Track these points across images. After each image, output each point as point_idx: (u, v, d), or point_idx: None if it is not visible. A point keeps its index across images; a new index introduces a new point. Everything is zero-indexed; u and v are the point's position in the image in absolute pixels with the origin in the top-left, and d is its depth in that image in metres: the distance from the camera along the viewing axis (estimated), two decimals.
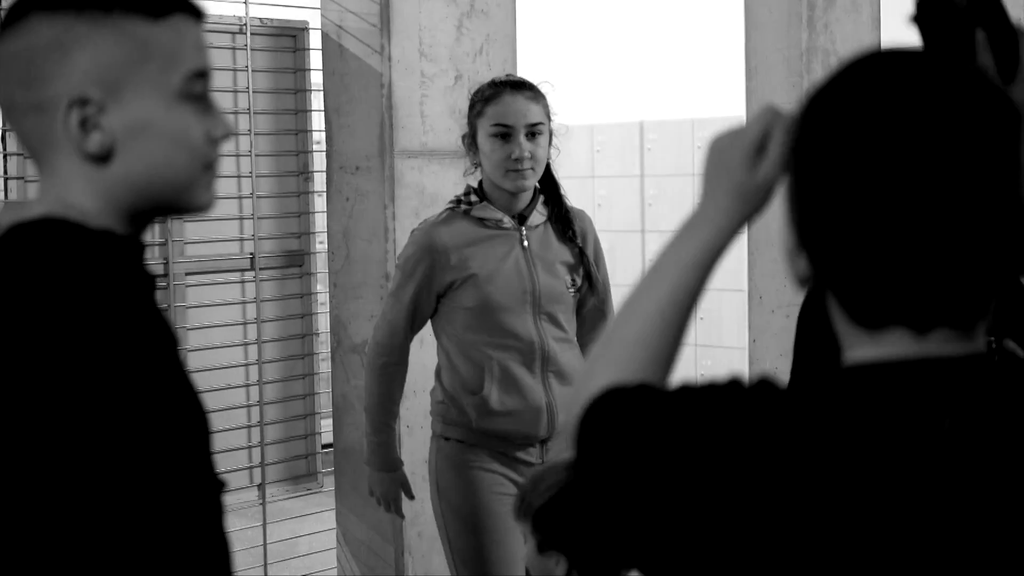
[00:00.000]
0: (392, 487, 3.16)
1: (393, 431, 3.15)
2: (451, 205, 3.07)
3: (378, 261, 3.70)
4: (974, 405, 1.00)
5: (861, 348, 1.04)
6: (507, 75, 3.18)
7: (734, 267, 7.03)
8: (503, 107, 2.97)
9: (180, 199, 1.34)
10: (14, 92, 1.28)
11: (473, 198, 3.04)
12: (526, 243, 3.02)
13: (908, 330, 1.03)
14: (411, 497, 3.20)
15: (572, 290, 3.07)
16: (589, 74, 8.08)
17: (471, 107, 3.06)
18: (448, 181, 3.76)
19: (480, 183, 3.08)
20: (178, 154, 1.30)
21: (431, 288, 3.00)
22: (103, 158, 1.28)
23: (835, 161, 1.01)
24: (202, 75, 1.32)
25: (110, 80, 1.26)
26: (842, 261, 1.03)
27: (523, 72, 3.92)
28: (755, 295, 4.87)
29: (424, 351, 3.63)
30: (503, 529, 2.97)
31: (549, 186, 3.09)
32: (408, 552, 3.68)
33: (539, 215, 3.06)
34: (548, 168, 3.07)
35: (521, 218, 3.04)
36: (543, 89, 3.06)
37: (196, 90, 1.31)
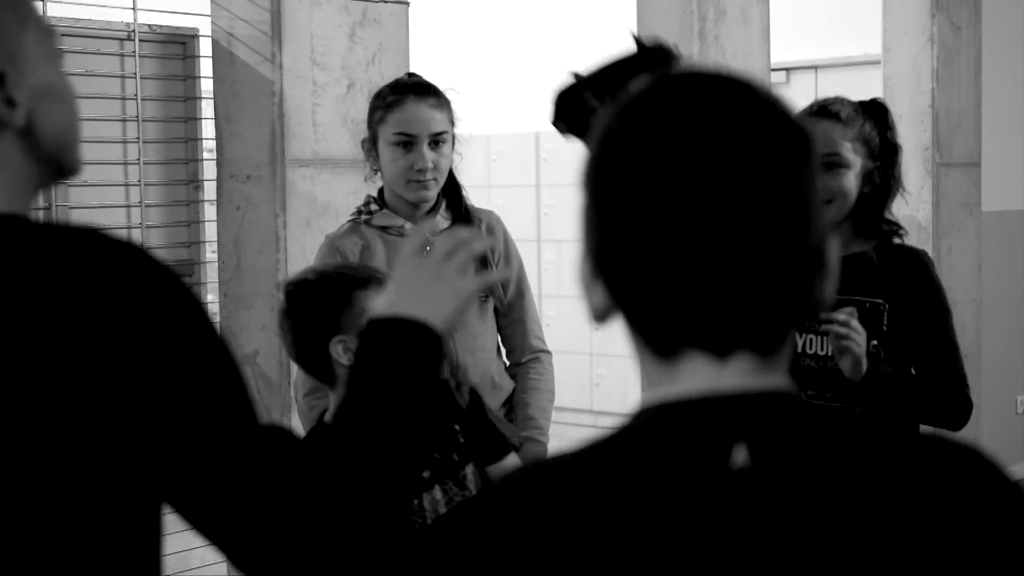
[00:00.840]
0: None
1: None
2: (352, 216, 2.99)
3: (269, 271, 3.67)
4: (766, 445, 0.96)
5: (660, 386, 1.01)
6: (409, 75, 3.07)
7: None
8: (406, 115, 2.87)
9: (73, 161, 1.34)
10: None
11: (373, 207, 2.96)
12: (428, 250, 2.92)
13: (707, 356, 0.99)
14: None
15: (481, 297, 2.94)
16: (485, 84, 8.10)
17: (372, 111, 2.96)
18: (341, 190, 3.74)
19: (380, 190, 3.01)
20: (74, 112, 1.32)
21: None
22: (28, 131, 1.27)
23: (628, 182, 0.98)
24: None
25: (10, 50, 1.25)
26: (638, 285, 0.99)
27: None
28: None
29: None
30: None
31: (451, 190, 2.99)
32: None
33: (442, 220, 2.94)
34: (451, 173, 2.98)
35: None
36: (447, 95, 2.96)
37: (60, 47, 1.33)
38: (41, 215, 4.41)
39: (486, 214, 3.04)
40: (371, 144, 2.95)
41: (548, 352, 3.10)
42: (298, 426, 3.63)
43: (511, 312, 3.01)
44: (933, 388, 2.65)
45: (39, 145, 1.28)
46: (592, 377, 8.51)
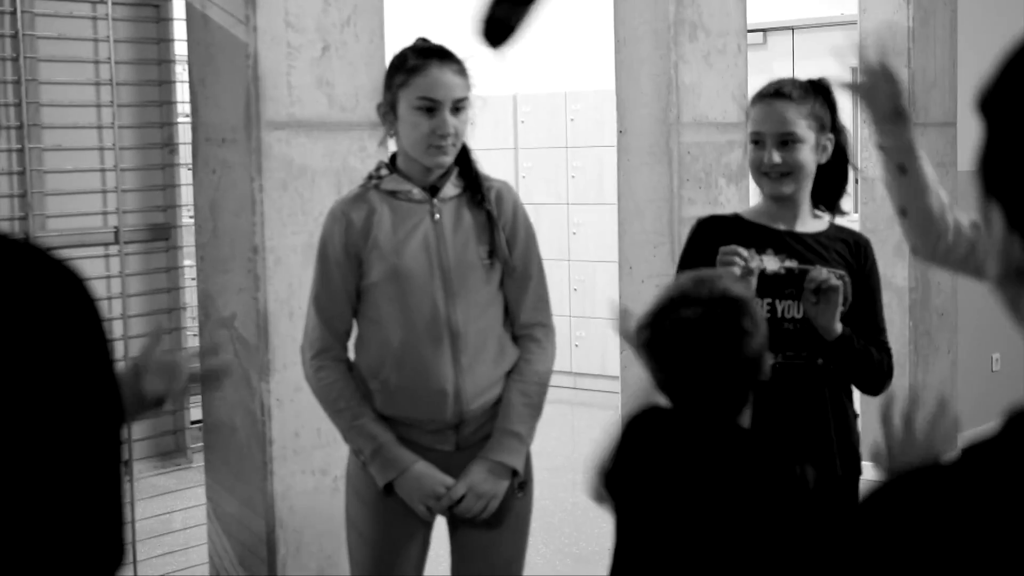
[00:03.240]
0: (418, 488, 2.87)
1: (376, 429, 2.88)
2: (363, 181, 2.97)
3: (245, 234, 3.65)
4: None
5: None
6: (420, 40, 3.00)
7: (608, 240, 7.08)
8: (430, 80, 2.83)
9: None
10: None
11: (383, 171, 2.93)
12: (437, 216, 2.88)
13: None
14: (448, 487, 2.87)
15: (487, 262, 2.90)
16: (460, 48, 8.07)
17: (392, 74, 2.92)
18: (317, 153, 3.73)
19: (394, 155, 2.97)
20: None
21: (350, 263, 2.88)
22: None
23: None
24: None
25: None
26: None
27: (390, 45, 3.90)
28: (625, 265, 4.92)
29: (293, 324, 3.61)
30: (395, 551, 2.89)
31: (463, 157, 2.96)
32: (280, 526, 3.66)
33: (453, 187, 2.92)
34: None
35: (434, 190, 2.91)
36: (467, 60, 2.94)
37: None
38: (15, 181, 4.39)
39: (498, 183, 2.99)
40: (388, 108, 2.92)
41: (546, 326, 3.01)
42: (277, 388, 3.63)
43: (514, 282, 2.96)
44: (873, 356, 2.96)
45: None
46: (572, 339, 8.53)
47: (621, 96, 4.93)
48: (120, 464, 1.16)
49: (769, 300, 2.89)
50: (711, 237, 2.95)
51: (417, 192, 2.89)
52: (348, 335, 2.96)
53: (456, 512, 2.87)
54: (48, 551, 1.10)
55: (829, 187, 3.00)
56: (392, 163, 2.96)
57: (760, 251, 2.88)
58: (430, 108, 2.82)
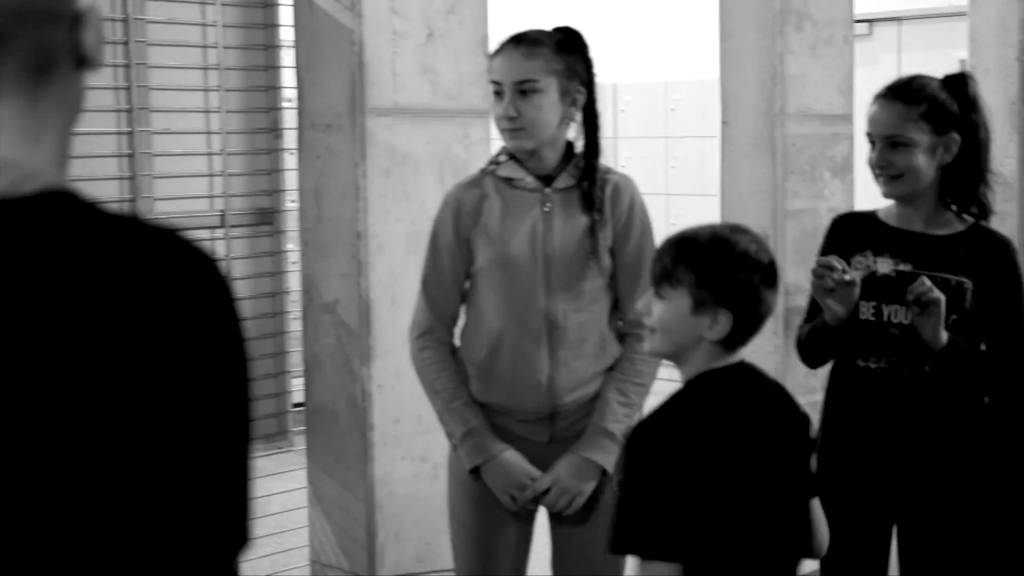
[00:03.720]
0: (503, 476, 2.84)
1: (469, 413, 2.86)
2: (482, 167, 2.94)
3: (349, 220, 3.68)
4: None
5: None
6: (526, 31, 2.89)
7: None
8: (496, 63, 2.82)
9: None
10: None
11: (502, 157, 2.89)
12: (548, 206, 2.82)
13: None
14: (533, 479, 2.83)
15: (592, 257, 2.83)
16: (612, 31, 8.02)
17: None
18: (420, 140, 3.74)
19: None
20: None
21: (460, 248, 2.86)
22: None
23: None
24: None
25: None
26: None
27: (494, 33, 3.90)
28: None
29: (395, 310, 3.62)
30: (491, 536, 2.88)
31: (586, 147, 2.88)
32: (380, 511, 3.68)
33: (567, 178, 2.85)
34: (591, 128, 2.87)
35: (549, 179, 2.85)
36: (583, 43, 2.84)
37: None
38: (124, 163, 4.44)
39: (618, 176, 2.91)
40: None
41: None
42: (378, 374, 3.65)
43: (625, 278, 2.89)
44: (997, 364, 2.86)
45: (84, 94, 1.19)
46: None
47: (725, 87, 4.88)
48: (249, 447, 1.16)
49: (875, 303, 2.84)
50: (844, 235, 2.95)
51: (531, 181, 2.84)
52: (454, 319, 2.94)
53: (542, 505, 2.85)
54: (187, 536, 1.10)
55: (958, 186, 2.91)
56: None
57: (878, 253, 2.84)
58: (497, 92, 2.80)
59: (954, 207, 2.92)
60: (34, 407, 1.04)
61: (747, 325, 2.13)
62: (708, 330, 2.10)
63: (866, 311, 2.86)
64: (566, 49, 2.84)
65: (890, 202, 2.94)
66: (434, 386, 2.88)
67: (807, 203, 4.70)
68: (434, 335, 2.90)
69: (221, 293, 1.12)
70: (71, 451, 1.05)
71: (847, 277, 2.76)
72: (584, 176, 2.85)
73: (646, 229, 2.91)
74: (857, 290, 2.77)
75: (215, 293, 1.11)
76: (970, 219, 2.91)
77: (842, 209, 4.27)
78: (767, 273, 2.12)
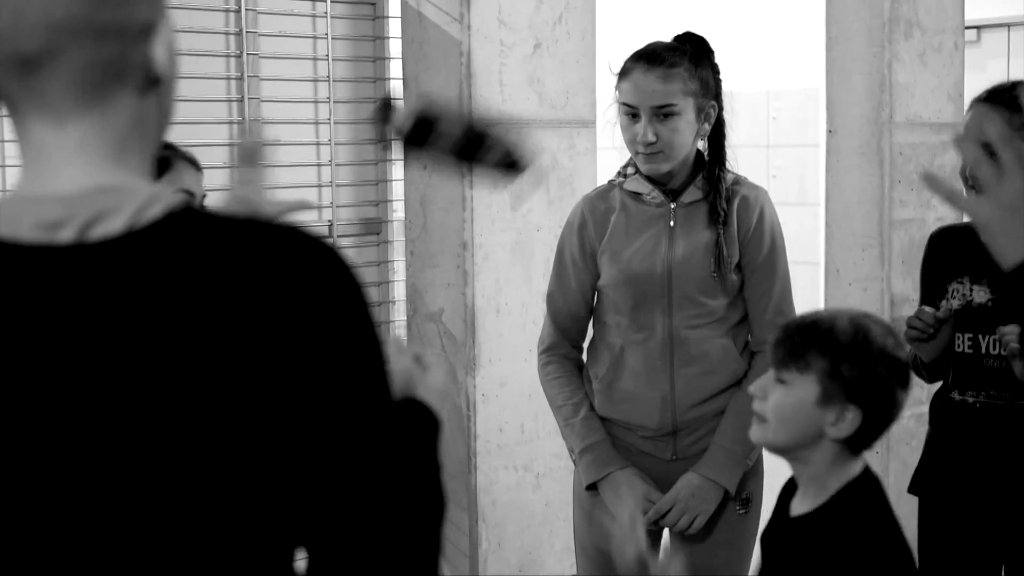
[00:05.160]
0: (621, 494, 2.78)
1: (588, 429, 2.83)
2: (611, 178, 2.93)
3: (455, 230, 3.70)
4: None
5: None
6: (654, 44, 2.84)
7: (810, 240, 6.98)
8: (630, 85, 2.75)
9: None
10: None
11: (630, 170, 2.87)
12: (672, 221, 2.80)
13: None
14: (652, 500, 2.78)
15: (715, 274, 2.77)
16: (765, 37, 7.97)
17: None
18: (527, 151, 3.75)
19: None
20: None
21: (585, 262, 2.85)
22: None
23: None
24: None
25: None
26: None
27: (601, 43, 3.90)
28: (832, 268, 4.82)
29: (500, 320, 3.64)
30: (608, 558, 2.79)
31: (712, 159, 2.87)
32: (482, 520, 3.70)
33: (696, 190, 2.83)
34: (718, 138, 2.86)
35: (676, 193, 2.82)
36: (709, 54, 2.83)
37: None
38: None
39: (748, 189, 2.87)
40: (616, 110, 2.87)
41: None
42: (482, 383, 3.67)
43: (753, 294, 2.84)
44: None
45: (165, 108, 1.18)
46: None
47: (831, 95, 4.83)
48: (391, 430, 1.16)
49: (971, 335, 2.77)
50: (942, 257, 2.87)
51: (657, 195, 2.82)
52: (581, 334, 2.94)
53: (662, 525, 2.83)
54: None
55: None
56: None
57: (976, 280, 2.77)
58: (633, 113, 2.76)
59: None
60: (205, 413, 1.05)
61: (875, 426, 1.96)
62: (831, 426, 1.94)
63: (962, 343, 2.79)
64: (697, 62, 2.79)
65: None
66: (556, 401, 2.90)
67: (914, 213, 4.64)
68: (558, 351, 2.92)
69: (353, 283, 1.13)
70: (238, 463, 1.06)
71: (951, 303, 2.71)
72: (709, 189, 2.82)
73: (777, 242, 2.85)
74: (949, 328, 2.71)
75: (349, 284, 1.12)
76: None
77: (950, 219, 4.21)
78: (902, 373, 1.96)
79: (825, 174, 4.87)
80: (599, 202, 2.88)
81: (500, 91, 3.71)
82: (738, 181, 2.88)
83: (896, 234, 4.63)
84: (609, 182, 2.92)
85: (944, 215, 4.60)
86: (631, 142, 2.78)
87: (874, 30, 4.66)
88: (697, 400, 2.81)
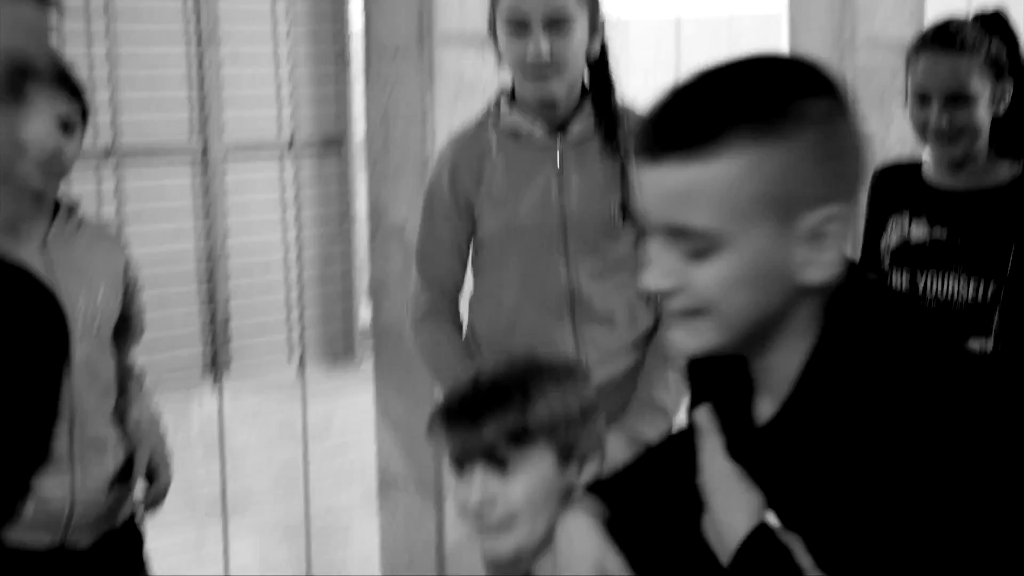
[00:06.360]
0: None
1: None
2: (480, 115, 2.60)
3: (416, 146, 3.71)
4: None
5: None
6: None
7: None
8: None
9: None
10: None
11: (504, 107, 2.53)
12: (559, 162, 2.47)
13: None
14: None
15: (619, 217, 2.47)
16: None
17: None
18: (487, 66, 3.74)
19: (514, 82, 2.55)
20: None
21: (460, 214, 2.52)
22: None
23: None
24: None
25: None
26: None
27: None
28: None
29: None
30: None
31: (601, 87, 2.51)
32: None
33: (583, 125, 2.49)
34: (604, 65, 2.51)
35: (562, 127, 2.49)
36: None
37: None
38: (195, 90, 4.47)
39: (641, 114, 2.65)
40: (491, 27, 2.49)
41: None
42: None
43: None
44: None
45: None
46: None
47: (793, 16, 4.84)
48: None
49: (909, 273, 2.67)
50: (885, 192, 2.76)
51: (540, 133, 2.48)
52: (459, 292, 2.64)
53: None
54: None
55: (1011, 138, 2.65)
56: (513, 92, 2.53)
57: (916, 214, 2.67)
58: (520, 26, 2.40)
59: (1006, 152, 2.67)
60: None
61: None
62: None
63: (900, 280, 2.68)
64: None
65: None
66: (446, 372, 2.52)
67: (874, 129, 4.67)
68: (436, 316, 2.60)
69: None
70: None
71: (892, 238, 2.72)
72: (602, 118, 2.50)
73: None
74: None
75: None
76: (1020, 166, 2.66)
77: (910, 139, 4.24)
78: None
79: None
80: (470, 146, 2.53)
81: (460, 7, 3.71)
82: (629, 111, 2.50)
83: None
84: (477, 123, 2.57)
85: (905, 134, 4.63)
86: (516, 62, 2.44)
87: None
88: (604, 359, 2.51)
